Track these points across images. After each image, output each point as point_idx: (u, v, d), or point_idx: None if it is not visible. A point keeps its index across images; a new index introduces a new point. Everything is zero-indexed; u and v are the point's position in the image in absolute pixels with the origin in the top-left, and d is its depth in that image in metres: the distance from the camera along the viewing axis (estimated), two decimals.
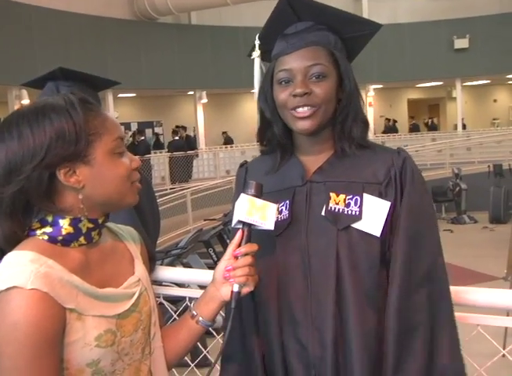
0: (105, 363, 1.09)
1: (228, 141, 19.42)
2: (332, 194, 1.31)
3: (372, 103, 20.76)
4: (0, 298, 1.00)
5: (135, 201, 1.18)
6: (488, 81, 22.16)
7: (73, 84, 1.99)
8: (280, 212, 1.33)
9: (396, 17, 19.97)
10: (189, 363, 1.49)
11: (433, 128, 21.60)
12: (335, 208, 1.30)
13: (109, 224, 1.25)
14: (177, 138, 16.36)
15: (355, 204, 1.29)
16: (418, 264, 1.26)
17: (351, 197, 1.30)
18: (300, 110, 1.30)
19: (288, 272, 1.31)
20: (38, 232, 1.10)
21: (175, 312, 1.92)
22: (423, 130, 21.50)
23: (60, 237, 1.10)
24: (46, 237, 1.09)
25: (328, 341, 1.26)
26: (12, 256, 1.05)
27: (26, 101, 13.06)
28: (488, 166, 13.10)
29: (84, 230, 1.12)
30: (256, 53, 1.42)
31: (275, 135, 1.38)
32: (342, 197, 1.30)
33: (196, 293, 1.68)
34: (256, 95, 1.42)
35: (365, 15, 19.99)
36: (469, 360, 1.41)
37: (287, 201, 1.33)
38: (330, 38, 1.34)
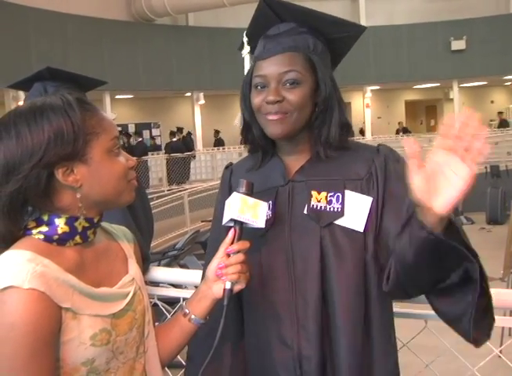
0: (100, 361, 1.09)
1: (219, 142, 19.12)
2: (313, 192, 1.32)
3: (369, 105, 20.79)
4: None
5: (131, 199, 1.19)
6: (486, 83, 22.20)
7: (60, 85, 1.99)
8: None
9: (393, 19, 20.01)
10: (183, 363, 1.49)
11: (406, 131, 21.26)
12: (317, 206, 1.31)
13: (103, 224, 1.25)
14: (175, 139, 16.35)
15: (337, 200, 1.30)
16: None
17: (332, 193, 1.31)
18: (271, 115, 1.31)
19: (273, 272, 1.32)
20: (34, 231, 1.10)
21: (172, 314, 1.92)
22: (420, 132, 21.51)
23: (56, 236, 1.10)
24: (42, 237, 1.09)
25: (314, 340, 1.27)
26: (8, 255, 1.05)
27: (22, 102, 13.03)
28: (485, 167, 13.13)
29: (79, 229, 1.12)
30: (245, 50, 1.45)
31: (255, 136, 1.40)
32: (324, 194, 1.32)
33: (191, 294, 1.68)
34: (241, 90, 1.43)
35: (362, 16, 20.07)
36: (463, 360, 1.41)
37: (270, 202, 1.33)
38: (309, 42, 1.34)
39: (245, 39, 1.44)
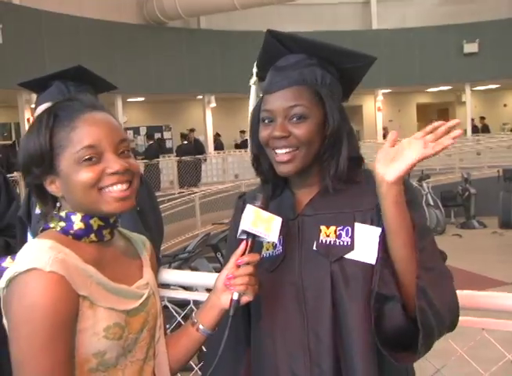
0: (110, 355, 1.13)
1: (218, 146, 19.01)
2: (322, 227, 1.31)
3: (380, 108, 20.73)
4: (19, 279, 1.05)
5: (110, 210, 1.16)
6: (498, 86, 22.05)
7: (80, 85, 2.00)
8: (274, 247, 1.34)
9: (405, 22, 19.94)
10: (193, 366, 1.49)
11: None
12: (326, 241, 1.30)
13: (122, 229, 1.30)
14: (185, 142, 16.38)
15: (346, 234, 1.29)
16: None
17: (341, 227, 1.30)
18: (279, 151, 1.30)
19: (283, 307, 1.31)
20: (52, 225, 1.17)
21: (182, 316, 1.92)
22: None
23: (72, 231, 1.16)
24: (59, 229, 1.16)
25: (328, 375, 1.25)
26: (32, 243, 1.13)
27: (34, 105, 13.12)
28: (498, 171, 13.03)
29: (95, 227, 1.17)
30: (252, 80, 1.45)
31: (264, 170, 1.39)
32: (332, 228, 1.30)
33: (201, 296, 1.68)
34: (249, 123, 1.43)
35: (374, 20, 20.03)
36: (474, 366, 1.40)
37: (281, 236, 1.30)
38: (317, 75, 1.33)
39: (254, 69, 1.43)
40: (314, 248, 1.30)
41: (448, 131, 1.16)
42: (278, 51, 1.36)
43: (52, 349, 1.03)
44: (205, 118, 18.87)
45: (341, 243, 1.28)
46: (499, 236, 11.40)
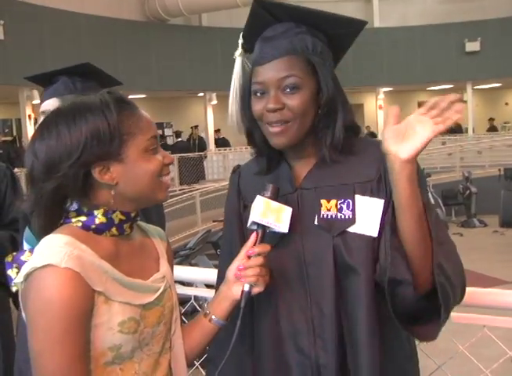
0: (125, 349, 1.14)
1: (223, 143, 18.78)
2: (323, 201, 1.30)
3: (382, 106, 20.71)
4: (35, 274, 1.07)
5: (164, 198, 1.23)
6: (500, 84, 22.04)
7: (86, 81, 2.00)
8: None
9: (407, 20, 19.93)
10: (194, 362, 1.50)
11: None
12: (327, 215, 1.29)
13: (140, 222, 1.30)
14: (180, 139, 16.32)
15: (348, 207, 1.28)
16: None
17: (342, 201, 1.28)
18: (273, 125, 1.27)
19: (286, 282, 1.31)
20: (74, 219, 1.16)
21: (183, 313, 1.92)
22: None
23: (93, 226, 1.16)
24: (80, 224, 1.16)
25: (332, 347, 1.26)
26: (49, 238, 1.12)
27: (37, 101, 13.14)
28: (499, 169, 13.04)
29: (116, 221, 1.18)
30: (237, 52, 1.41)
31: (257, 142, 1.37)
32: (333, 202, 1.29)
33: (202, 292, 1.69)
34: (230, 99, 1.41)
35: (376, 17, 20.00)
36: (476, 363, 1.40)
37: None
38: (308, 42, 1.29)
39: (240, 41, 1.39)
40: (315, 223, 1.29)
41: (449, 107, 1.14)
42: (265, 20, 1.31)
43: (67, 342, 1.05)
44: (206, 115, 18.87)
45: (343, 216, 1.27)
46: (500, 235, 11.41)
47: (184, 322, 1.38)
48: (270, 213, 1.21)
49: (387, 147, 1.17)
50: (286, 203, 1.27)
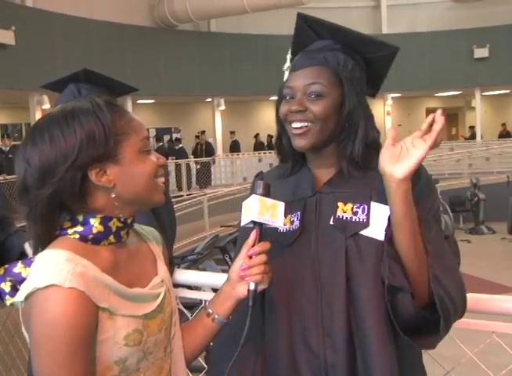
0: (131, 361, 1.12)
1: (235, 146, 18.78)
2: (339, 203, 1.35)
3: (390, 112, 20.69)
4: (38, 295, 1.03)
5: (161, 200, 1.21)
6: (508, 91, 21.95)
7: (93, 87, 2.02)
8: (292, 223, 1.37)
9: (415, 26, 19.92)
10: (204, 365, 1.50)
11: None
12: (342, 217, 1.33)
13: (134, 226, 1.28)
14: (181, 145, 16.30)
15: (363, 212, 1.33)
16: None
17: (358, 205, 1.33)
18: (295, 125, 1.36)
19: (298, 280, 1.34)
20: (70, 231, 1.13)
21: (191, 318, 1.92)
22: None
23: (91, 236, 1.13)
24: (77, 236, 1.12)
25: (341, 347, 1.28)
26: (48, 255, 1.08)
27: (47, 106, 13.23)
28: (508, 176, 12.98)
29: (114, 229, 1.15)
30: (286, 66, 1.49)
31: (285, 146, 1.44)
32: (349, 205, 1.34)
33: (211, 296, 1.69)
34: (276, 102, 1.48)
35: (384, 23, 20.01)
36: (484, 369, 1.40)
37: (298, 212, 1.37)
38: (340, 59, 1.39)
39: (288, 56, 1.49)
40: (330, 223, 1.34)
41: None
42: (308, 36, 1.43)
43: (74, 364, 1.03)
44: (214, 121, 18.92)
45: (357, 219, 1.32)
46: (508, 242, 11.33)
47: None
48: (266, 210, 1.23)
49: (384, 168, 1.25)
50: (304, 206, 1.37)
